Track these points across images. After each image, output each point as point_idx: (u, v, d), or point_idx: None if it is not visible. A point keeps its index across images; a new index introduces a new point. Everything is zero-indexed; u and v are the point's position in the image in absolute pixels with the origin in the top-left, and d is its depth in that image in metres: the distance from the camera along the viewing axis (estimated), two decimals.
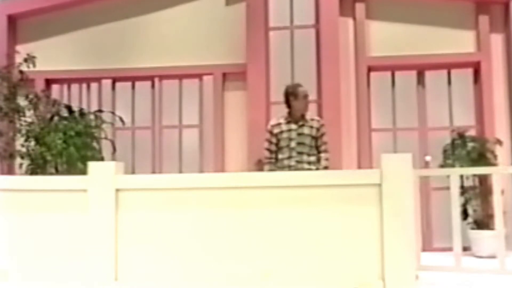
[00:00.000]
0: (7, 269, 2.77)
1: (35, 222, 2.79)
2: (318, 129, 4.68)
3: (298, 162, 4.60)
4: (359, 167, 7.26)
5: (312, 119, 4.75)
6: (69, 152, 6.02)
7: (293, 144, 4.65)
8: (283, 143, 4.68)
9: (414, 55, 7.46)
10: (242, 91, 7.63)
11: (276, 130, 4.74)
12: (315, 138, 4.66)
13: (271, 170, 4.67)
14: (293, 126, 4.71)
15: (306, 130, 4.66)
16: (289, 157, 4.65)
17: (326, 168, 4.61)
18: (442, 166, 6.78)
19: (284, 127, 4.72)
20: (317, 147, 4.67)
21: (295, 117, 4.72)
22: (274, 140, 4.74)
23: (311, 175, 2.76)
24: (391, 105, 7.60)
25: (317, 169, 4.58)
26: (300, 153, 4.61)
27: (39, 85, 7.66)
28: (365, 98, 7.44)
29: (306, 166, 4.58)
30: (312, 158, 4.62)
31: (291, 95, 4.76)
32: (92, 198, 2.70)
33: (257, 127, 7.42)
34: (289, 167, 4.61)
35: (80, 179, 2.81)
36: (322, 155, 4.65)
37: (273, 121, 4.90)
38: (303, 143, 4.63)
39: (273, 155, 4.75)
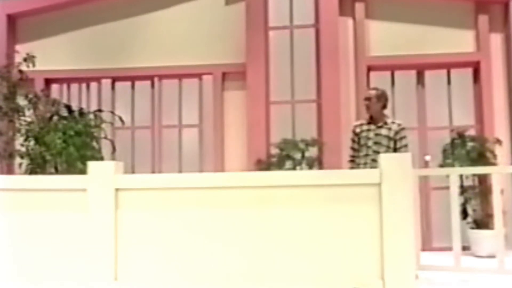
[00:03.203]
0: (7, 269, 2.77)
1: (34, 222, 2.79)
2: (396, 132, 4.87)
3: (373, 160, 4.78)
4: None
5: (393, 122, 4.96)
6: (68, 151, 6.01)
7: (370, 143, 4.89)
8: (362, 142, 4.96)
9: (413, 55, 7.46)
10: (242, 91, 7.62)
11: (357, 130, 5.03)
12: (394, 140, 4.81)
13: (351, 167, 5.01)
14: (372, 127, 4.94)
15: (383, 132, 4.87)
16: (366, 155, 4.89)
17: None
18: (441, 165, 6.78)
19: (365, 127, 4.98)
20: (395, 149, 4.82)
21: (374, 118, 4.95)
22: (356, 139, 5.03)
23: (311, 175, 2.75)
24: (391, 104, 7.58)
25: None
26: (376, 152, 4.79)
27: (39, 85, 7.66)
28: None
29: None
30: None
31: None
32: (92, 197, 2.70)
33: (257, 127, 7.43)
34: (365, 164, 4.88)
35: (79, 179, 2.80)
36: None
37: (356, 122, 5.24)
38: (380, 143, 4.84)
39: (355, 153, 5.05)
